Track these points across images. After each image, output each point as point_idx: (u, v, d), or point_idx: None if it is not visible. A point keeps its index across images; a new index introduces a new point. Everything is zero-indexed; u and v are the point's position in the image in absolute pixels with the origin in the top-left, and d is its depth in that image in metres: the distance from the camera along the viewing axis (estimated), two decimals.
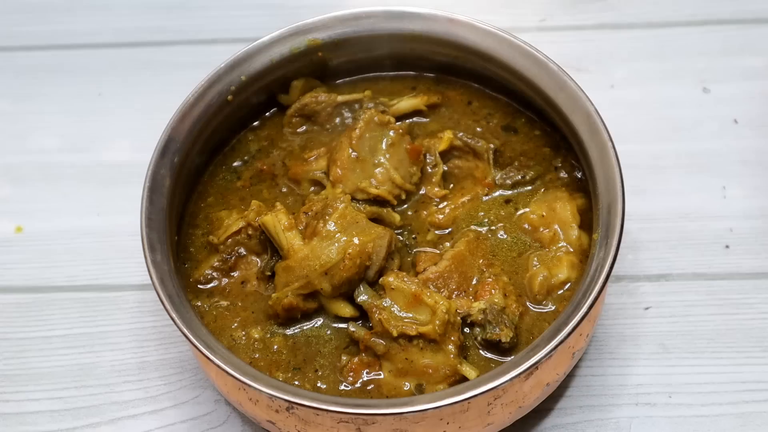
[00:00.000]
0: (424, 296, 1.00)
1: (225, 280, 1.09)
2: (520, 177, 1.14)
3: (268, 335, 1.06)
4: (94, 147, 1.38)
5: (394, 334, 0.99)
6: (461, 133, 1.16)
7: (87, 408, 1.15)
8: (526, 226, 1.11)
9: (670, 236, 1.24)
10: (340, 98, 1.19)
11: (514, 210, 1.12)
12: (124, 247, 1.27)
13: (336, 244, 1.03)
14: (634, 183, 1.27)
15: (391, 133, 1.13)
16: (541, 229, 1.10)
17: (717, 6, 1.47)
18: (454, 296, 1.05)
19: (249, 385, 0.94)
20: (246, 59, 1.15)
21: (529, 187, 1.14)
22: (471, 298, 1.05)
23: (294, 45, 1.17)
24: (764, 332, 1.16)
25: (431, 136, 1.17)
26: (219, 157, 1.19)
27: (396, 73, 1.24)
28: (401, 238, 1.11)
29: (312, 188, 1.15)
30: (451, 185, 1.15)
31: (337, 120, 1.20)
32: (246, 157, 1.19)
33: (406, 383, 1.00)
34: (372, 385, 1.02)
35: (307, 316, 1.06)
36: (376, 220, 1.09)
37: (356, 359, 1.02)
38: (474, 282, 1.06)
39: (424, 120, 1.20)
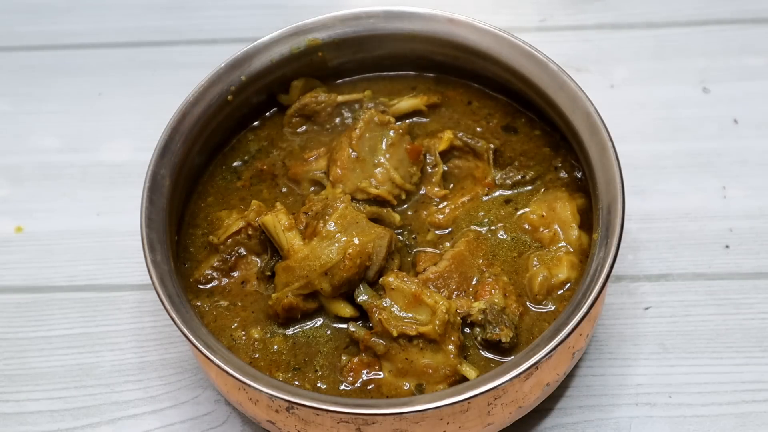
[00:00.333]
0: (424, 296, 1.00)
1: (225, 280, 1.09)
2: (520, 177, 1.14)
3: (268, 335, 1.06)
4: (94, 147, 1.38)
5: (394, 334, 0.99)
6: (461, 133, 1.16)
7: (87, 408, 1.15)
8: (526, 226, 1.11)
9: (670, 236, 1.24)
10: (340, 98, 1.19)
11: (514, 210, 1.12)
12: (124, 247, 1.27)
13: (336, 244, 1.03)
14: (634, 183, 1.27)
15: (391, 133, 1.13)
16: (541, 229, 1.10)
17: (717, 6, 1.47)
18: (454, 296, 1.05)
19: (249, 385, 0.94)
20: (246, 59, 1.15)
21: (529, 187, 1.14)
22: (471, 298, 1.05)
23: (294, 45, 1.17)
24: (764, 332, 1.16)
25: (431, 136, 1.17)
26: (219, 157, 1.19)
27: (396, 73, 1.24)
28: (401, 238, 1.11)
29: (312, 188, 1.15)
30: (451, 185, 1.15)
31: (337, 120, 1.20)
32: (246, 157, 1.19)
33: (406, 383, 1.00)
34: (372, 385, 1.02)
35: (307, 316, 1.06)
36: (376, 220, 1.09)
37: (356, 359, 1.02)
38: (474, 282, 1.06)
39: (424, 120, 1.20)
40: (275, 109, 1.23)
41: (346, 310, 1.04)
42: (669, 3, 1.48)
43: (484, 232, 1.11)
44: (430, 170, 1.15)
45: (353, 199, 1.10)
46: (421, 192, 1.15)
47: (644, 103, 1.38)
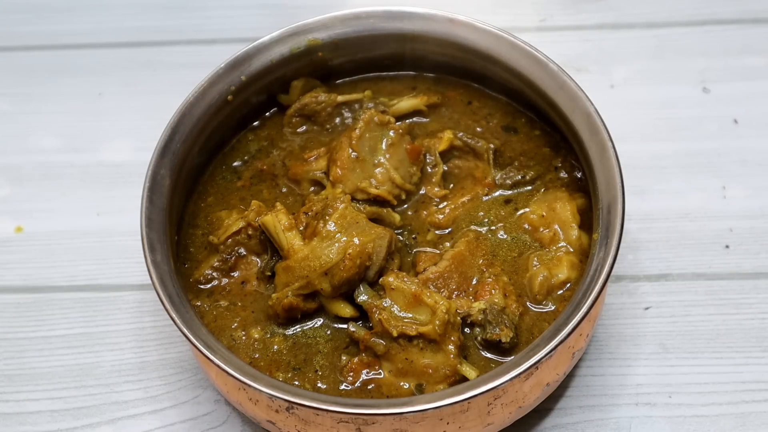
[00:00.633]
0: (424, 296, 1.00)
1: (225, 280, 1.09)
2: (520, 177, 1.14)
3: (268, 335, 1.06)
4: (94, 147, 1.38)
5: (394, 334, 0.99)
6: (461, 133, 1.16)
7: (87, 408, 1.15)
8: (526, 226, 1.11)
9: (669, 236, 1.24)
10: (340, 98, 1.19)
11: (514, 210, 1.12)
12: (124, 247, 1.27)
13: (336, 245, 1.03)
14: (634, 183, 1.27)
15: (391, 133, 1.13)
16: (541, 229, 1.10)
17: (717, 6, 1.47)
18: (454, 296, 1.05)
19: (249, 385, 0.94)
20: (246, 59, 1.15)
21: (529, 187, 1.14)
22: (471, 298, 1.05)
23: (294, 45, 1.17)
24: (764, 332, 1.16)
25: (431, 136, 1.17)
26: (219, 157, 1.19)
27: (396, 73, 1.24)
28: (401, 238, 1.11)
29: (312, 188, 1.15)
30: (451, 185, 1.15)
31: (337, 120, 1.20)
32: (246, 157, 1.19)
33: (406, 383, 1.00)
34: (372, 385, 1.02)
35: (307, 316, 1.06)
36: (376, 220, 1.09)
37: (356, 359, 1.02)
38: (474, 282, 1.06)
39: (424, 120, 1.20)
40: (275, 109, 1.23)
41: (346, 310, 1.04)
42: (669, 3, 1.48)
43: (484, 232, 1.11)
44: (430, 170, 1.15)
45: (353, 199, 1.10)
46: (421, 192, 1.15)
47: (644, 103, 1.38)
